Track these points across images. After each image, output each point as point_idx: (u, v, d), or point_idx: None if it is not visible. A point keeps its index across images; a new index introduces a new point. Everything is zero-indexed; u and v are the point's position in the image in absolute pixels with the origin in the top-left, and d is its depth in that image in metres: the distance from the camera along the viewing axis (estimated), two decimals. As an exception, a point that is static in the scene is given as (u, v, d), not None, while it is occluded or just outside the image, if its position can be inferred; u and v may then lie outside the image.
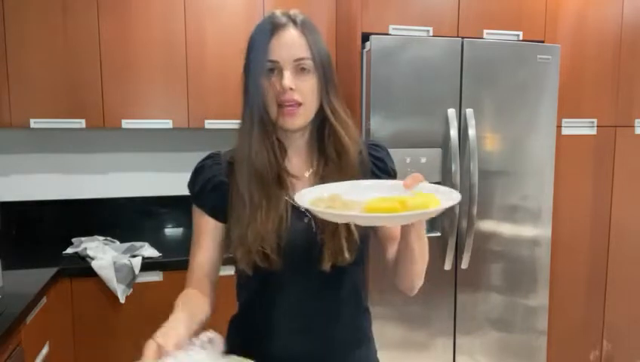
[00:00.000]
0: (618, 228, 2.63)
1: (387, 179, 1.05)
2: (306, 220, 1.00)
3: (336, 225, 0.95)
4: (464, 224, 2.21)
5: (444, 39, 2.18)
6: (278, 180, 0.99)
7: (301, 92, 0.96)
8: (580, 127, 2.54)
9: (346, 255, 0.97)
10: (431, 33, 2.23)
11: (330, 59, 1.01)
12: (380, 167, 1.09)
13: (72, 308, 2.04)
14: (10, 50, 2.16)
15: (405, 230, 0.94)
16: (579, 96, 2.52)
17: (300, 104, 0.96)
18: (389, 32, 2.19)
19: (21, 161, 2.52)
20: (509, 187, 2.28)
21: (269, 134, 0.98)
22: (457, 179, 2.15)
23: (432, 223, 2.28)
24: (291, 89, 0.94)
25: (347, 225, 0.97)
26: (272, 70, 0.96)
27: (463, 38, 2.19)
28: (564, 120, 2.48)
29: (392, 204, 0.74)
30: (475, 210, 2.19)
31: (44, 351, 1.84)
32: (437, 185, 0.87)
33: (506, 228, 2.30)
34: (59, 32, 2.20)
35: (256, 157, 0.97)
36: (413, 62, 2.12)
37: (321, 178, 1.01)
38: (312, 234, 0.99)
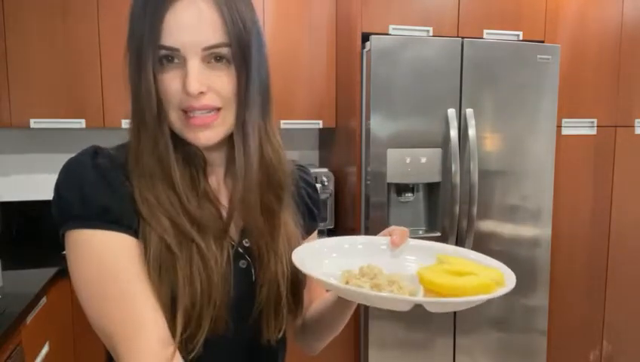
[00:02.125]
0: (618, 228, 2.63)
1: (316, 210, 0.87)
2: (243, 264, 0.73)
3: (276, 271, 0.72)
4: (464, 224, 2.21)
5: (444, 39, 2.18)
6: (208, 207, 0.69)
7: (217, 92, 0.65)
8: (580, 127, 2.54)
9: (288, 313, 0.74)
10: (431, 33, 2.23)
11: (261, 37, 0.69)
12: (311, 196, 0.86)
13: (72, 308, 2.04)
14: (10, 50, 2.16)
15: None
16: (579, 96, 2.52)
17: (218, 109, 0.66)
18: (389, 32, 2.19)
19: (21, 161, 2.52)
20: (509, 187, 2.28)
21: (163, 138, 0.66)
22: (457, 179, 2.15)
23: (432, 223, 2.29)
24: (202, 92, 0.64)
25: (294, 272, 0.74)
26: (168, 59, 0.63)
27: (463, 38, 2.19)
28: (564, 120, 2.48)
29: (477, 281, 0.64)
30: (475, 210, 2.19)
31: (44, 351, 1.84)
32: (422, 241, 0.81)
33: (506, 228, 2.30)
34: (59, 33, 2.20)
35: (178, 178, 0.66)
36: (413, 62, 2.12)
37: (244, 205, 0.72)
38: (252, 287, 0.72)
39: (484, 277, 0.66)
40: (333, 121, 2.50)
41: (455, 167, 2.14)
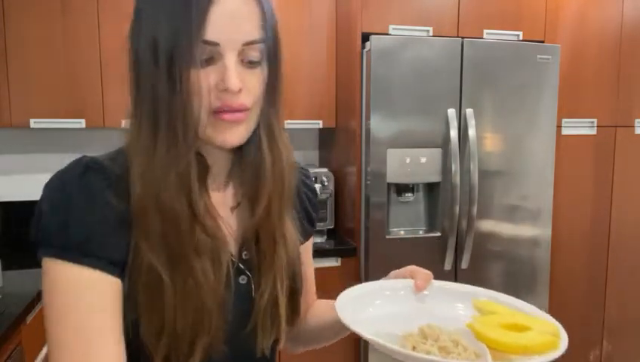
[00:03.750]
0: (618, 228, 2.63)
1: (314, 214, 0.84)
2: (243, 280, 0.69)
3: (275, 281, 0.69)
4: (464, 224, 2.21)
5: (444, 39, 2.18)
6: (208, 222, 0.63)
7: (250, 90, 0.62)
8: (580, 127, 2.54)
9: (284, 325, 0.71)
10: (431, 33, 2.23)
11: (281, 41, 0.66)
12: (310, 200, 0.83)
13: (72, 308, 2.04)
14: (10, 50, 2.16)
15: None
16: (579, 96, 2.52)
17: (247, 109, 0.62)
18: (389, 32, 2.19)
19: (21, 161, 2.51)
20: (509, 187, 2.28)
21: (187, 148, 0.60)
22: (457, 179, 2.15)
23: (432, 223, 2.29)
24: (240, 89, 0.60)
25: (292, 282, 0.72)
26: (206, 57, 0.59)
27: (463, 38, 2.19)
28: (564, 120, 2.48)
29: (541, 338, 0.63)
30: (475, 210, 2.19)
31: (44, 351, 1.84)
32: (446, 283, 0.81)
33: (505, 228, 2.30)
34: (59, 33, 2.19)
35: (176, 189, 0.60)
36: (413, 62, 2.12)
37: (246, 219, 0.69)
38: (251, 302, 0.69)
39: (543, 332, 0.64)
40: (333, 121, 2.50)
41: (455, 167, 2.14)
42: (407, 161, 2.15)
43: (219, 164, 0.69)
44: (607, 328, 2.68)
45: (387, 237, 2.19)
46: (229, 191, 0.71)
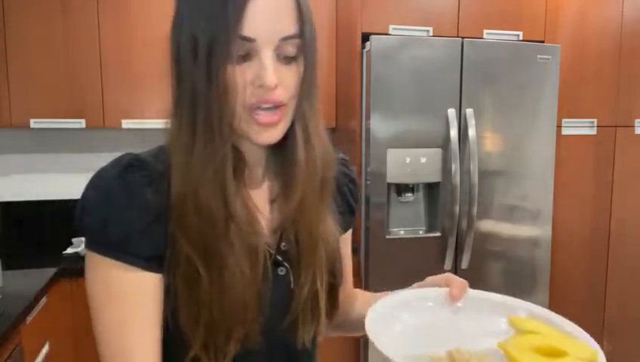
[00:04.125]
0: (618, 228, 2.63)
1: (354, 203, 0.84)
2: (282, 271, 0.70)
3: (314, 275, 0.69)
4: (464, 224, 2.21)
5: (444, 39, 2.18)
6: (244, 217, 0.63)
7: (286, 87, 0.62)
8: (580, 127, 2.54)
9: (324, 319, 0.71)
10: (431, 33, 2.23)
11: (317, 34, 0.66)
12: (351, 191, 0.83)
13: (72, 308, 2.04)
14: (10, 50, 2.16)
15: None
16: (579, 96, 2.52)
17: (282, 105, 0.62)
18: (389, 32, 2.19)
19: (21, 161, 2.51)
20: (509, 187, 2.28)
21: (222, 142, 0.60)
22: (457, 179, 2.15)
23: (432, 223, 2.29)
24: (276, 85, 0.60)
25: (331, 276, 0.72)
26: (243, 53, 0.59)
27: (463, 38, 2.19)
28: (564, 120, 2.48)
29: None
30: (475, 210, 2.19)
31: (44, 351, 1.84)
32: (481, 293, 0.77)
33: (505, 228, 2.30)
34: (59, 33, 2.20)
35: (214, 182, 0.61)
36: (413, 62, 2.12)
37: (282, 213, 0.69)
38: (290, 294, 0.69)
39: (579, 359, 0.62)
40: (333, 121, 2.50)
41: (455, 167, 2.14)
42: (407, 161, 2.15)
43: (256, 158, 0.69)
44: (607, 328, 2.68)
45: (387, 237, 2.19)
46: (267, 184, 0.72)
